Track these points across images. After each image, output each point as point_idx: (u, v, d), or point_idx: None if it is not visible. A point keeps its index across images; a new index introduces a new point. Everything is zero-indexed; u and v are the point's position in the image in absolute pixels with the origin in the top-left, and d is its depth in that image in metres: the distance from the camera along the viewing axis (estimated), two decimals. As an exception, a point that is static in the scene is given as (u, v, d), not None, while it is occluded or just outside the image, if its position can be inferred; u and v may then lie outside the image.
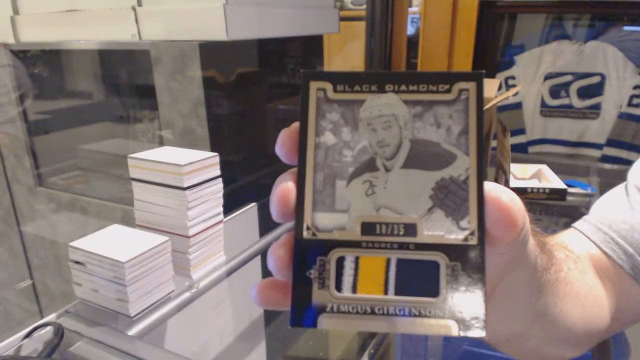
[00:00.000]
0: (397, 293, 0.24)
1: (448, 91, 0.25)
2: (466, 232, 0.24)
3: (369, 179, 0.25)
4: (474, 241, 0.24)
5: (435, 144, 0.25)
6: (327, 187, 0.25)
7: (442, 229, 0.24)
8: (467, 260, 0.23)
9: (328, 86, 0.25)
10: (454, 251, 0.24)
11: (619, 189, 0.56)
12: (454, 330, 0.23)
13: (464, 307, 0.23)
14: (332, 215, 0.25)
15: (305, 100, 0.25)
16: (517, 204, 0.24)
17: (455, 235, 0.24)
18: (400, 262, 0.24)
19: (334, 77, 0.26)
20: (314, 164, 0.25)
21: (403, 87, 0.25)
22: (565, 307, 0.42)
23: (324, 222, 0.24)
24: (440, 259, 0.24)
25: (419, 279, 0.24)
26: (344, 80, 0.25)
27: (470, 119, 0.25)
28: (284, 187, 0.25)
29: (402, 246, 0.24)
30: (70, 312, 0.82)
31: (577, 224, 0.55)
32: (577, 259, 0.48)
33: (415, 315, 0.23)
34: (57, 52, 1.64)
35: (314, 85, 0.25)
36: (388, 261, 0.24)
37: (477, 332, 0.23)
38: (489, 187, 0.24)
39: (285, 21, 1.28)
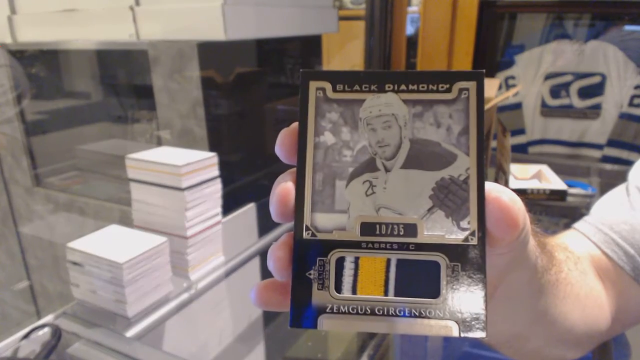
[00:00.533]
0: (397, 294, 0.23)
1: (448, 90, 0.25)
2: (466, 233, 0.24)
3: (369, 179, 0.25)
4: (474, 241, 0.23)
5: (435, 143, 0.25)
6: (327, 187, 0.25)
7: (443, 229, 0.24)
8: (468, 261, 0.23)
9: (327, 86, 0.25)
10: (455, 251, 0.23)
11: (619, 190, 0.55)
12: (455, 331, 0.23)
13: (464, 308, 0.23)
14: (332, 215, 0.24)
15: (305, 100, 0.25)
16: (517, 204, 0.24)
17: (456, 236, 0.24)
18: (400, 262, 0.24)
19: (333, 77, 0.25)
20: (313, 164, 0.25)
21: (403, 87, 0.25)
22: (566, 308, 0.42)
23: (323, 222, 0.24)
24: (441, 259, 0.23)
25: (419, 279, 0.24)
26: (344, 79, 0.25)
27: (470, 118, 0.24)
28: (284, 188, 0.24)
29: (402, 247, 0.24)
30: (67, 314, 0.82)
31: (577, 224, 0.54)
32: (578, 260, 0.47)
33: (415, 316, 0.23)
34: (55, 52, 1.63)
35: (313, 85, 0.25)
36: (388, 262, 0.24)
37: (478, 333, 0.23)
38: (489, 186, 0.24)
39: (283, 21, 1.28)
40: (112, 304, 0.80)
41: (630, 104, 1.65)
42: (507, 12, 1.85)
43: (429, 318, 0.23)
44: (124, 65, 1.59)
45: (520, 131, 1.83)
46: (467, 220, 0.24)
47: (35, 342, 0.74)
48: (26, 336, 0.75)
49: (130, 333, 0.78)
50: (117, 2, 1.15)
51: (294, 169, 0.25)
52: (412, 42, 1.90)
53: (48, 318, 0.81)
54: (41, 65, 1.65)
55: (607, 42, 1.69)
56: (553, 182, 1.21)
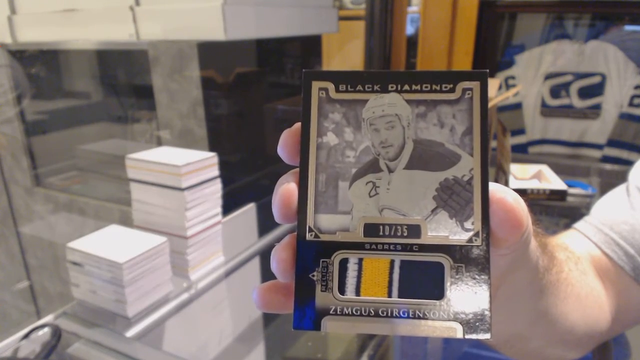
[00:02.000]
0: (401, 295, 0.23)
1: (452, 90, 0.25)
2: (470, 233, 0.23)
3: (372, 180, 0.25)
4: (478, 242, 0.23)
5: (439, 144, 0.24)
6: (330, 188, 0.25)
7: (446, 230, 0.24)
8: (472, 262, 0.23)
9: (330, 86, 0.25)
10: (458, 252, 0.23)
11: (619, 190, 0.55)
12: (459, 333, 0.23)
13: (468, 309, 0.23)
14: (335, 216, 0.24)
15: (307, 100, 0.25)
16: (521, 205, 0.24)
17: (460, 237, 0.23)
18: (404, 263, 0.24)
19: (336, 77, 0.25)
20: (316, 164, 0.25)
21: (406, 87, 0.25)
22: (566, 308, 0.42)
23: (326, 223, 0.24)
24: (445, 260, 0.23)
25: (423, 280, 0.23)
26: (346, 79, 0.25)
27: (474, 118, 0.24)
28: (286, 189, 0.24)
29: (406, 248, 0.24)
30: (67, 313, 0.82)
31: (577, 224, 0.54)
32: (578, 260, 0.47)
33: (419, 318, 0.23)
34: (55, 52, 1.63)
35: (315, 85, 0.25)
36: (392, 263, 0.24)
37: (482, 334, 0.23)
38: (493, 187, 0.24)
39: (283, 21, 1.28)
40: (112, 304, 0.80)
41: (630, 104, 1.65)
42: (507, 12, 1.85)
43: (433, 319, 0.23)
44: (124, 65, 1.59)
45: (520, 131, 1.83)
46: (471, 221, 0.23)
47: (35, 342, 0.74)
48: (26, 336, 0.75)
49: (130, 333, 0.78)
50: (117, 2, 1.15)
51: (297, 170, 0.25)
52: (412, 42, 1.90)
53: (48, 318, 0.81)
54: (41, 66, 1.65)
55: (607, 42, 1.69)
56: (553, 182, 1.21)
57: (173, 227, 0.90)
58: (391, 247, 0.24)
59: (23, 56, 1.58)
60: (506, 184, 1.10)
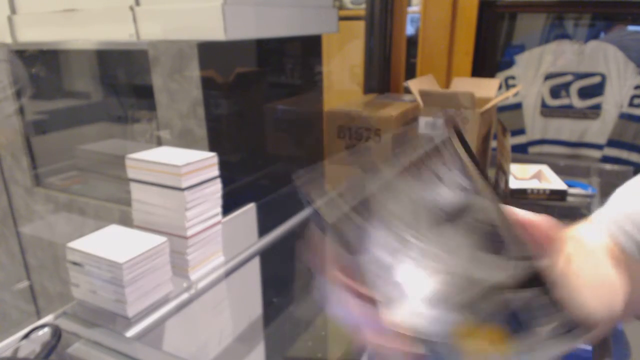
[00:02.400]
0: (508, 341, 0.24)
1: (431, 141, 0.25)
2: (519, 261, 0.24)
3: (413, 257, 0.24)
4: (529, 266, 0.23)
5: (444, 196, 0.24)
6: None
7: (498, 269, 0.23)
8: (542, 280, 0.24)
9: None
10: (521, 284, 0.23)
11: (638, 180, 0.55)
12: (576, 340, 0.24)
13: (561, 319, 0.24)
14: (407, 310, 0.24)
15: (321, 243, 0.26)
16: (542, 216, 0.24)
17: (512, 268, 0.23)
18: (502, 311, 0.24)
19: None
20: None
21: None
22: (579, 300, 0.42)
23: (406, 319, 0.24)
24: (527, 294, 0.24)
25: (513, 319, 0.23)
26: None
27: (463, 159, 0.24)
28: None
29: (476, 306, 0.23)
30: (67, 313, 0.82)
31: (594, 215, 0.54)
32: (592, 251, 0.47)
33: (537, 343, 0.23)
34: (55, 52, 1.63)
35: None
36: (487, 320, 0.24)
37: (583, 337, 0.24)
38: (512, 212, 0.24)
39: (283, 21, 1.28)
40: (112, 304, 0.80)
41: (630, 104, 1.65)
42: (507, 12, 1.85)
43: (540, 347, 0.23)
44: (123, 65, 1.59)
45: (520, 131, 1.83)
46: (514, 251, 0.24)
47: (35, 342, 0.74)
48: (26, 336, 0.75)
49: (130, 333, 0.78)
50: (117, 2, 1.15)
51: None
52: (412, 42, 1.90)
53: (48, 318, 0.81)
54: (41, 65, 1.65)
55: (607, 42, 1.69)
56: (553, 182, 1.21)
57: (173, 227, 0.90)
58: (473, 310, 0.23)
59: (23, 56, 1.58)
60: (506, 184, 1.10)
